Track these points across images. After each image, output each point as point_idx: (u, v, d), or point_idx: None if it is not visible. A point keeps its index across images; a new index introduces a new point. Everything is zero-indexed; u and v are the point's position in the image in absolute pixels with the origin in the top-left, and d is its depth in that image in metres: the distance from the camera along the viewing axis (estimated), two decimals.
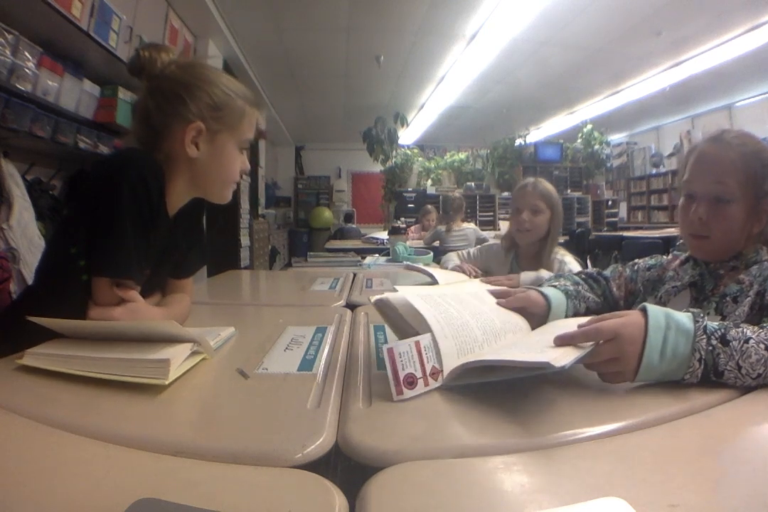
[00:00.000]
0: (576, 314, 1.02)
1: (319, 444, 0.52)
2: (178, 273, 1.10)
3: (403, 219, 6.08)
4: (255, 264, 5.88)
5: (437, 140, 9.36)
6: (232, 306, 1.55)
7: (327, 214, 9.99)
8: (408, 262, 2.55)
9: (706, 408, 0.61)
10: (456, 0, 4.14)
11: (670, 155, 8.26)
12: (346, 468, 0.54)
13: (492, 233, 4.54)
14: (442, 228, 4.15)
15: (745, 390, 0.65)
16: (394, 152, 7.74)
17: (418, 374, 0.67)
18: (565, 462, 0.50)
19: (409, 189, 7.79)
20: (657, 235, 4.63)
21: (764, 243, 0.94)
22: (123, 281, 0.87)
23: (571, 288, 1.07)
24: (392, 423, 0.59)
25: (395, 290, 0.82)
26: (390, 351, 0.65)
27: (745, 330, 0.67)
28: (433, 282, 1.60)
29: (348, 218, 9.00)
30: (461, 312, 0.78)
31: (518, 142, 8.05)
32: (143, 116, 0.97)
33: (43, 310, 0.76)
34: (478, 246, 2.20)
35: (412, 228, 5.14)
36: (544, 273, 1.63)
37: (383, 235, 4.30)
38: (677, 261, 1.08)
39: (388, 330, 1.01)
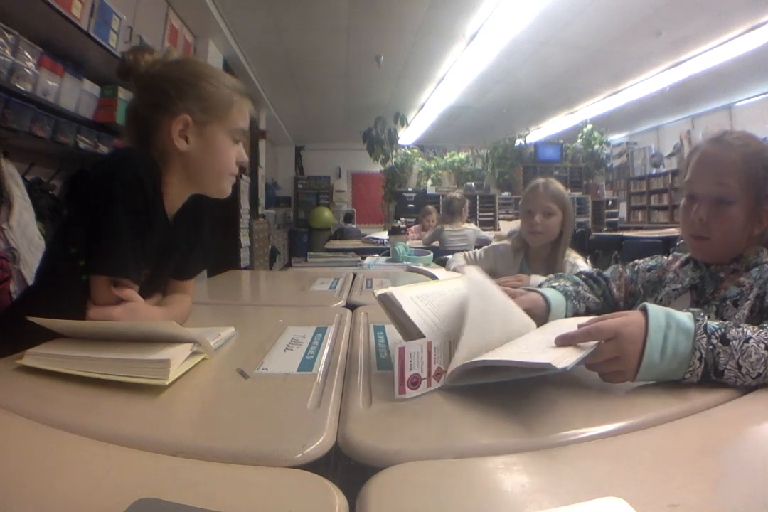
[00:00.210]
0: (576, 315, 1.02)
1: (319, 444, 0.52)
2: (179, 275, 1.10)
3: (403, 219, 6.08)
4: (255, 264, 5.87)
5: (437, 140, 9.36)
6: (232, 307, 1.55)
7: (327, 214, 9.99)
8: (408, 263, 2.56)
9: (706, 408, 0.61)
10: (456, 0, 4.14)
11: (670, 155, 8.26)
12: (346, 468, 0.54)
13: (492, 233, 4.53)
14: (440, 227, 4.15)
15: (745, 390, 0.65)
16: (394, 152, 7.74)
17: (424, 375, 0.67)
18: (565, 462, 0.50)
19: (409, 189, 7.80)
20: (657, 235, 4.63)
21: (765, 245, 0.94)
22: (120, 280, 0.87)
23: (571, 288, 1.07)
24: (392, 423, 0.59)
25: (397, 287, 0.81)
26: (401, 350, 0.64)
27: (745, 329, 0.67)
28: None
29: (348, 218, 9.00)
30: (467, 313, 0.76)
31: (518, 142, 8.05)
32: (133, 116, 0.98)
33: (43, 310, 0.76)
34: (485, 247, 2.16)
35: (412, 228, 5.14)
36: None
37: (383, 235, 4.30)
38: (677, 263, 1.08)
39: (388, 330, 1.01)
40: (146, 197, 0.87)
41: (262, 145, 7.25)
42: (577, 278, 1.14)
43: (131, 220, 0.85)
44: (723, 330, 0.67)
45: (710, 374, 0.66)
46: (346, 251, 3.21)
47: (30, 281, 1.92)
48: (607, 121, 7.83)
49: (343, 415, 0.60)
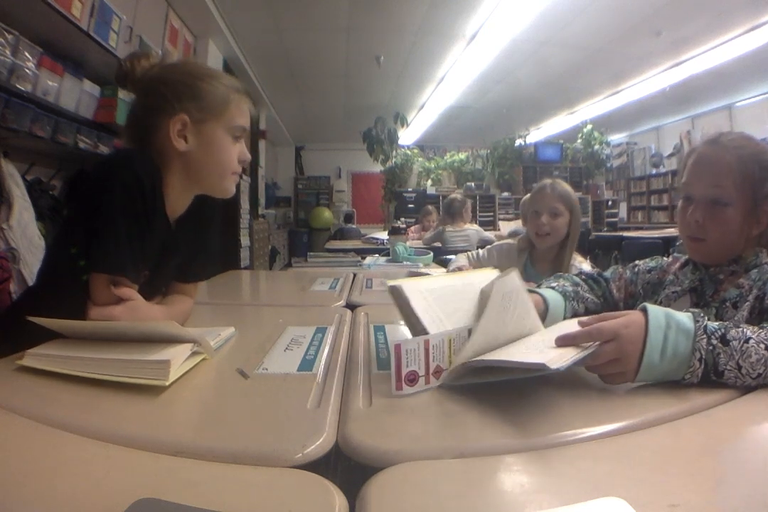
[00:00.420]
0: (575, 315, 1.02)
1: (319, 444, 0.52)
2: (183, 277, 1.10)
3: (403, 219, 6.08)
4: (255, 264, 5.88)
5: (437, 140, 9.36)
6: (232, 307, 1.55)
7: (327, 214, 9.99)
8: (408, 263, 2.56)
9: (706, 408, 0.61)
10: (456, 0, 4.14)
11: (670, 155, 8.26)
12: (346, 468, 0.54)
13: (492, 234, 4.52)
14: (442, 228, 4.15)
15: (745, 390, 0.65)
16: (394, 152, 7.74)
17: (421, 372, 0.67)
18: (565, 462, 0.50)
19: (409, 189, 7.80)
20: (657, 236, 4.63)
21: (764, 246, 0.94)
22: (119, 279, 0.87)
23: (570, 289, 1.07)
24: (392, 424, 0.59)
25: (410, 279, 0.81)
26: (397, 347, 0.65)
27: (745, 330, 0.67)
28: None
29: (348, 218, 9.00)
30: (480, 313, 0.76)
31: (518, 142, 8.05)
32: (132, 119, 0.99)
33: (43, 310, 0.76)
34: (488, 246, 2.12)
35: (412, 228, 5.14)
36: None
37: (383, 235, 4.30)
38: (677, 264, 1.07)
39: (388, 330, 1.01)
40: (145, 198, 0.87)
41: (262, 145, 7.25)
42: (576, 278, 1.14)
43: (130, 220, 0.85)
44: (723, 330, 0.67)
45: (710, 374, 0.66)
46: (346, 251, 3.21)
47: (30, 281, 1.92)
48: (607, 121, 7.83)
49: (343, 415, 0.60)
